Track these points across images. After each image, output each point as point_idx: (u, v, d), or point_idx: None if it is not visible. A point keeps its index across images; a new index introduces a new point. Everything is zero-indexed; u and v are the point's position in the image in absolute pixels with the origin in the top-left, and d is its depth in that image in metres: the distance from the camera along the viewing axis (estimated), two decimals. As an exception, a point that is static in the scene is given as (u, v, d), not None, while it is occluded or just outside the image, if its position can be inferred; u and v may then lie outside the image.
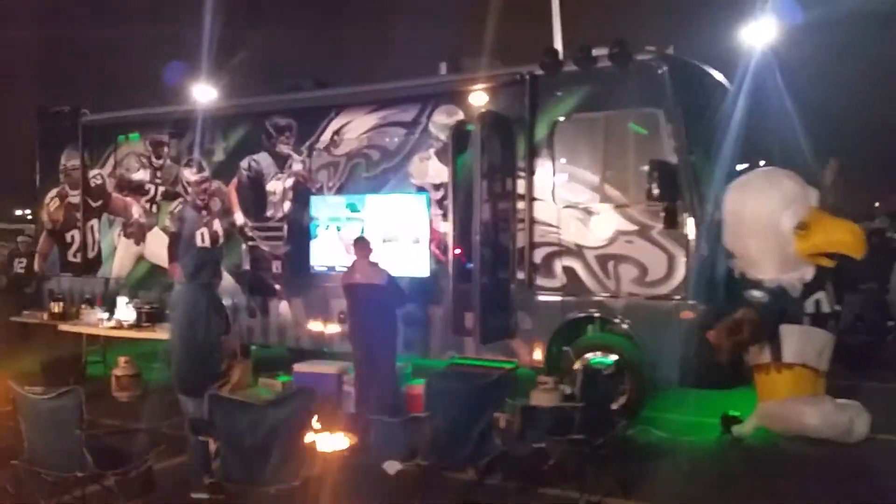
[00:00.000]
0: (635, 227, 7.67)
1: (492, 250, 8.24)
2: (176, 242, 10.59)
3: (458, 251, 8.21)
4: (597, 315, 7.94)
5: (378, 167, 9.19)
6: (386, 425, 4.85)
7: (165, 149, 10.84)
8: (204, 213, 10.46)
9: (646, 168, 7.41)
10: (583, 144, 8.00)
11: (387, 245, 8.97)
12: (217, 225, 10.40)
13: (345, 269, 8.00)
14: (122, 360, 9.20)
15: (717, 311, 7.37)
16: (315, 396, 4.54)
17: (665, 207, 7.37)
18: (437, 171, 8.79)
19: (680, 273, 7.48)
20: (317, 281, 9.58)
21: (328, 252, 9.50)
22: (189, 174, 10.57)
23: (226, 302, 10.13)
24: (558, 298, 8.08)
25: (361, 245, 7.87)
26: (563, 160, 8.08)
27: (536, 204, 8.18)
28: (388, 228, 9.04)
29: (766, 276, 7.17)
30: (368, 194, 9.22)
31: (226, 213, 10.33)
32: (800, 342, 7.18)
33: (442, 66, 9.56)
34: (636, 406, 7.75)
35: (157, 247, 10.85)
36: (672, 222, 7.41)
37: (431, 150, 8.85)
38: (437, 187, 8.81)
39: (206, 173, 10.45)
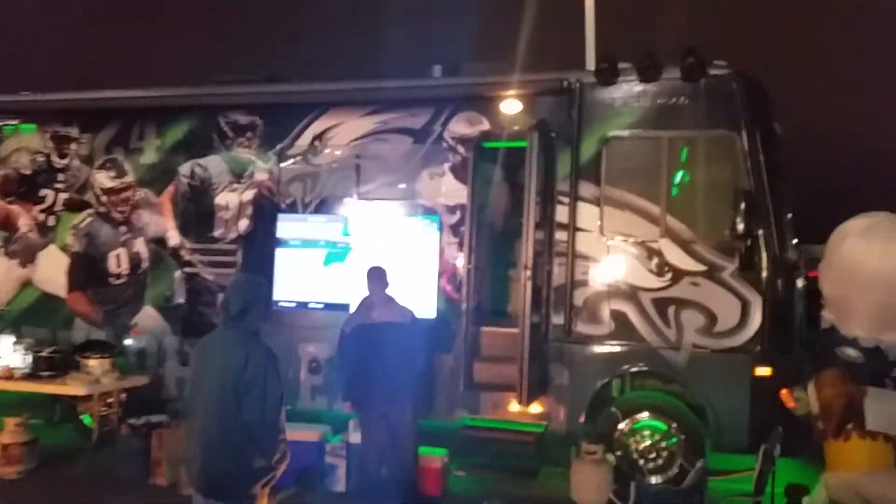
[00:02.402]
0: (703, 268, 6.55)
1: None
2: (80, 266, 8.31)
3: None
4: (646, 369, 6.72)
5: (374, 182, 7.50)
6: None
7: (73, 146, 8.47)
8: (123, 229, 8.22)
9: (720, 199, 6.40)
10: (640, 168, 6.82)
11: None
12: (140, 245, 8.18)
13: (358, 307, 6.22)
14: (10, 422, 6.73)
15: (795, 368, 6.42)
16: None
17: (745, 245, 6.34)
18: (451, 190, 7.27)
19: (755, 322, 6.43)
20: (282, 320, 7.63)
21: (298, 284, 7.61)
22: (105, 179, 8.28)
23: (148, 344, 8.02)
24: (605, 349, 6.76)
25: (377, 275, 6.16)
26: (614, 185, 6.85)
27: (580, 235, 6.87)
28: (387, 258, 7.35)
29: (863, 334, 6.30)
30: (360, 215, 7.49)
31: (154, 230, 8.15)
32: (886, 409, 6.33)
33: (436, 69, 8.11)
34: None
35: (52, 270, 8.41)
36: (750, 263, 6.38)
37: (446, 165, 7.32)
38: (451, 210, 7.27)
39: (130, 178, 8.23)
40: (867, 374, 6.31)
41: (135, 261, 8.15)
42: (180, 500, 5.79)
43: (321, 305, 7.48)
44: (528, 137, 6.51)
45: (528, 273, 6.46)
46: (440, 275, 7.24)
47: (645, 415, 6.67)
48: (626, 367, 6.72)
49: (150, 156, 8.22)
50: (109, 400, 7.36)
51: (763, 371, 6.39)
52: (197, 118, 8.08)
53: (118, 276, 8.16)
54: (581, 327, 6.82)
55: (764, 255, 6.41)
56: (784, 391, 6.48)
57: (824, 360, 6.40)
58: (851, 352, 6.30)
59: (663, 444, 6.60)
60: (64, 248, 8.37)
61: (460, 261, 7.15)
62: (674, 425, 6.57)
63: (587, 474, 6.41)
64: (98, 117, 8.38)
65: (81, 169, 8.40)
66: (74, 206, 8.40)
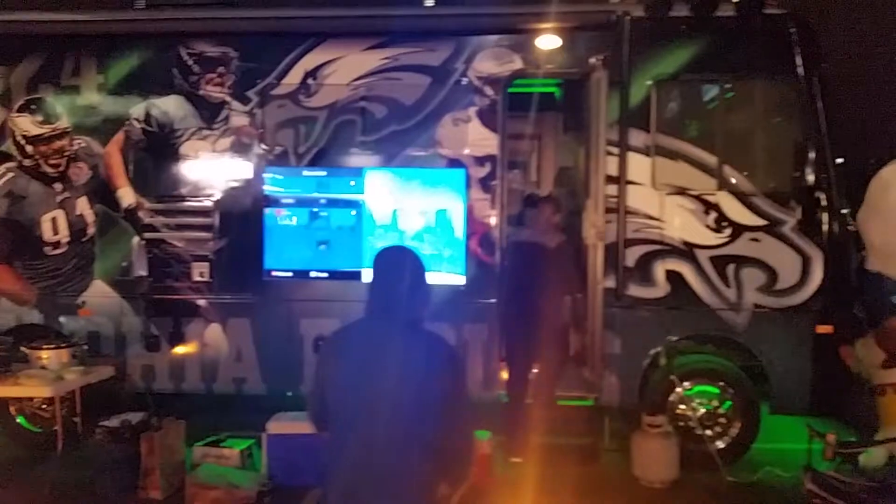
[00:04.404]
0: (764, 222, 6.09)
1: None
2: (1, 234, 6.65)
3: None
4: (705, 333, 6.23)
5: (385, 129, 6.38)
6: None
7: (-17, 82, 6.69)
8: (58, 186, 6.62)
9: (779, 147, 5.97)
10: (694, 114, 6.23)
11: (403, 240, 6.30)
12: (83, 206, 6.64)
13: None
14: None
15: (855, 323, 6.15)
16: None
17: (810, 198, 5.94)
18: (479, 138, 6.32)
19: (816, 279, 6.07)
20: (276, 293, 6.46)
21: (295, 250, 6.43)
22: (29, 124, 6.59)
23: (103, 327, 6.58)
24: (660, 312, 6.18)
25: (548, 203, 6.24)
26: (665, 133, 6.19)
27: (630, 189, 6.17)
28: (405, 217, 6.34)
29: None
30: (369, 168, 6.39)
31: (99, 187, 6.63)
32: None
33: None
34: (746, 445, 6.21)
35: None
36: (812, 216, 5.99)
37: (471, 110, 6.34)
38: (479, 161, 6.34)
39: (63, 124, 6.60)
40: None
41: (77, 226, 6.60)
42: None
43: (325, 275, 6.37)
44: (594, 76, 5.68)
45: (600, 232, 5.71)
46: (468, 236, 6.32)
47: (699, 380, 6.22)
48: (683, 330, 6.18)
49: (89, 95, 6.61)
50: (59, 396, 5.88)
51: (825, 329, 6.07)
52: (151, 49, 6.56)
53: (55, 244, 6.58)
54: (633, 290, 6.18)
55: (826, 207, 6.04)
56: (843, 348, 6.25)
57: (879, 311, 6.16)
58: None
59: (720, 409, 6.19)
60: (-23, 213, 6.65)
61: (492, 219, 6.28)
62: (728, 389, 6.17)
63: (652, 448, 5.89)
64: (14, 46, 6.62)
65: (-3, 112, 6.65)
66: (-12, 158, 6.66)
